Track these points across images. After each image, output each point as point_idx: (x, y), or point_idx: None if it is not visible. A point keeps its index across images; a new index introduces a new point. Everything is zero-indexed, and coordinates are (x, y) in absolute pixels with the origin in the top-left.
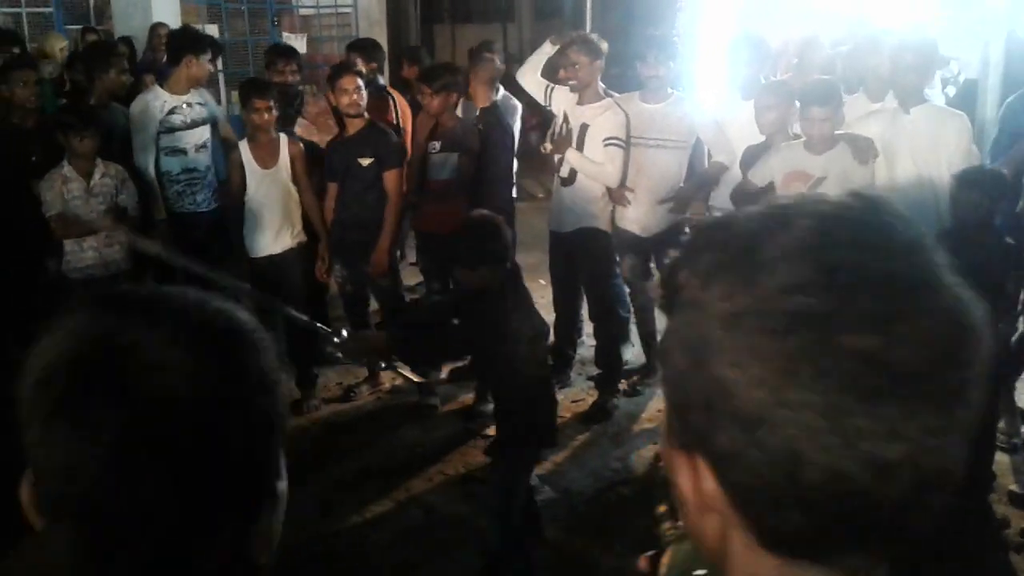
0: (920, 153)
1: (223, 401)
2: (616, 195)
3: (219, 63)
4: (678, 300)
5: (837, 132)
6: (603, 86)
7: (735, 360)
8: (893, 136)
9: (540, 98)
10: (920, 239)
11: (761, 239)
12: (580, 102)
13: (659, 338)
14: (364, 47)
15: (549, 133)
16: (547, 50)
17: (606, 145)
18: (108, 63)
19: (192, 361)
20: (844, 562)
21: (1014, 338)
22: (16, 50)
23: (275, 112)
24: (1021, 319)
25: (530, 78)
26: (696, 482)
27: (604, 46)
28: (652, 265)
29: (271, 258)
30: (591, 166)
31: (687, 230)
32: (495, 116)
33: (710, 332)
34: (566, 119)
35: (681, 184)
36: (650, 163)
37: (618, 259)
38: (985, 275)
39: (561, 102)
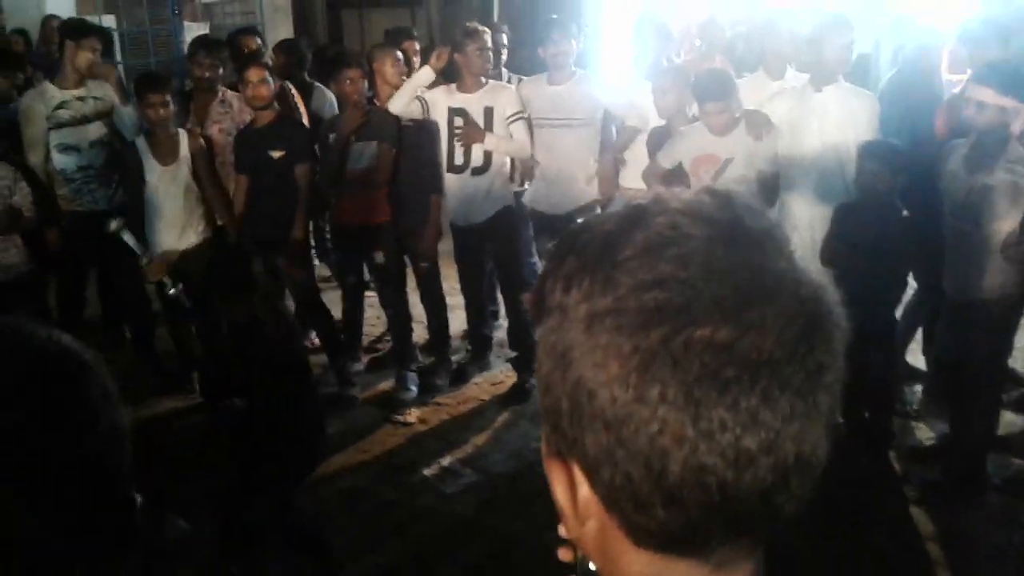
0: (829, 131)
1: (64, 421)
2: (526, 169)
3: (117, 54)
4: (544, 307)
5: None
6: (506, 71)
7: (596, 361)
8: (802, 114)
9: (418, 114)
10: (771, 229)
11: (617, 239)
12: (467, 90)
13: None
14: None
15: (455, 134)
16: (423, 80)
17: (513, 122)
18: None
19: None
20: (715, 553)
21: (907, 303)
22: None
23: (172, 107)
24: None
25: (402, 104)
26: (572, 489)
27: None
28: None
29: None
30: (508, 143)
31: (598, 209)
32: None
33: (573, 336)
34: (461, 113)
35: (592, 162)
36: (557, 143)
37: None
38: (887, 244)
39: (441, 102)
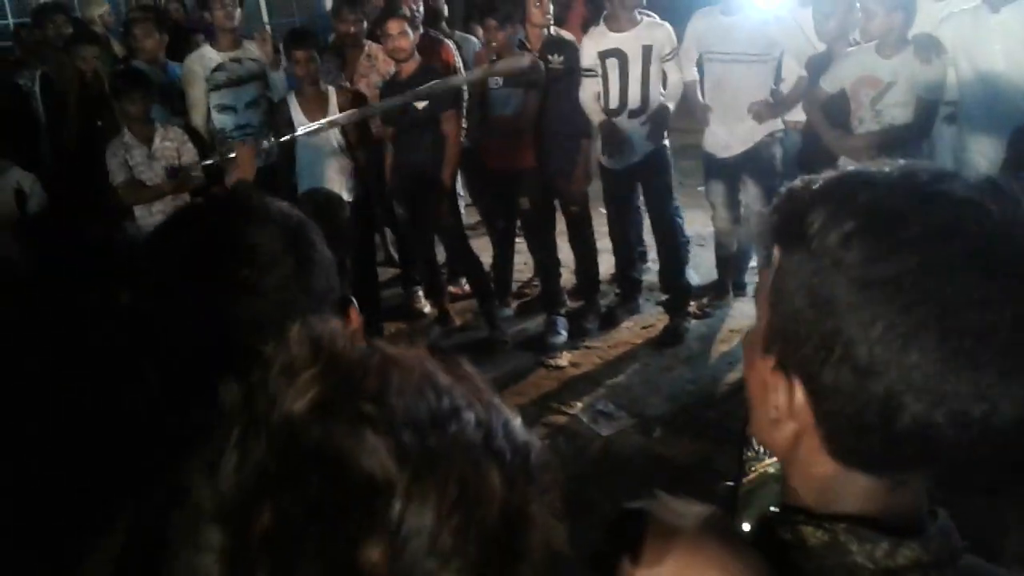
0: (1013, 51)
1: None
2: (699, 117)
3: (264, 16)
4: (805, 242)
5: (910, 35)
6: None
7: (863, 319)
8: (980, 37)
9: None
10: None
11: (906, 214)
12: (620, 28)
13: (735, 259)
14: None
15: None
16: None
17: (668, 60)
18: (135, 25)
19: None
20: (897, 476)
21: None
22: (60, 18)
23: (318, 62)
24: None
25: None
26: (788, 397)
27: None
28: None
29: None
30: (669, 95)
31: (774, 151)
32: (563, 44)
33: (843, 290)
34: (616, 53)
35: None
36: (729, 79)
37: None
38: None
39: (591, 45)
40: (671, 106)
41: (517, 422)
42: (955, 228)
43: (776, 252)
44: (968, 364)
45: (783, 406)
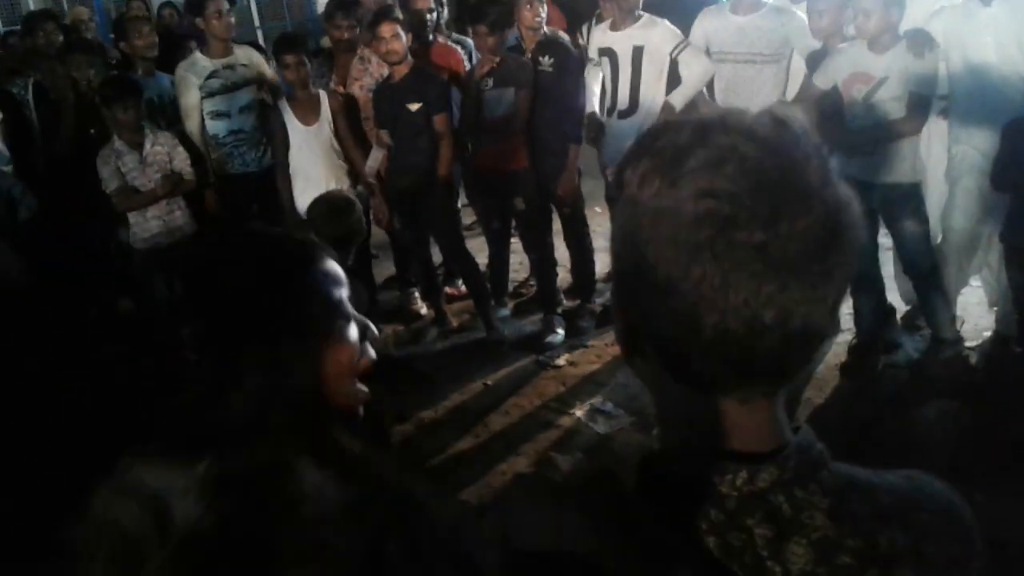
0: (1004, 45)
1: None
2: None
3: (255, 19)
4: (621, 191)
5: (902, 31)
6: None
7: (656, 245)
8: (971, 30)
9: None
10: (816, 149)
11: (686, 151)
12: (616, 27)
13: None
14: None
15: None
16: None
17: (679, 53)
18: (126, 31)
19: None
20: (736, 392)
21: None
22: (50, 26)
23: (308, 67)
24: None
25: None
26: (629, 328)
27: None
28: None
29: None
30: (689, 85)
31: None
32: (555, 46)
33: (641, 222)
34: (608, 53)
35: (776, 101)
36: (739, 80)
37: None
38: None
39: (595, 42)
40: (692, 92)
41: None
42: (726, 158)
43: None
44: (746, 275)
45: (623, 334)
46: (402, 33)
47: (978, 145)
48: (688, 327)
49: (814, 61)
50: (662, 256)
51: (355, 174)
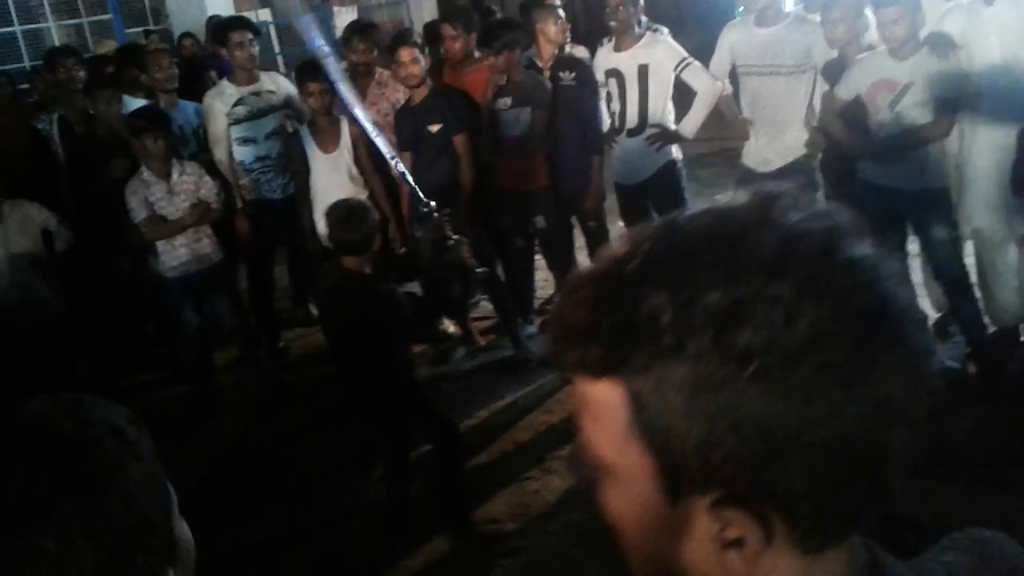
0: (1009, 44)
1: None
2: (739, 131)
3: (275, 46)
4: (663, 356)
5: (922, 36)
6: (645, 19)
7: (779, 405)
8: (975, 30)
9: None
10: (849, 226)
11: (737, 299)
12: (620, 48)
13: None
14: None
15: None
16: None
17: (682, 70)
18: (147, 64)
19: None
20: (846, 540)
21: None
22: (70, 61)
23: (329, 95)
24: None
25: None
26: (760, 523)
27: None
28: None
29: None
30: (700, 108)
31: (814, 165)
32: (574, 62)
33: (744, 388)
34: (615, 74)
35: (804, 114)
36: (765, 92)
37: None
38: None
39: (601, 63)
40: (703, 114)
41: None
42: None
43: (602, 388)
44: (890, 365)
45: (756, 535)
46: (420, 57)
47: (986, 147)
48: (866, 469)
49: (831, 71)
50: (827, 422)
51: (375, 201)
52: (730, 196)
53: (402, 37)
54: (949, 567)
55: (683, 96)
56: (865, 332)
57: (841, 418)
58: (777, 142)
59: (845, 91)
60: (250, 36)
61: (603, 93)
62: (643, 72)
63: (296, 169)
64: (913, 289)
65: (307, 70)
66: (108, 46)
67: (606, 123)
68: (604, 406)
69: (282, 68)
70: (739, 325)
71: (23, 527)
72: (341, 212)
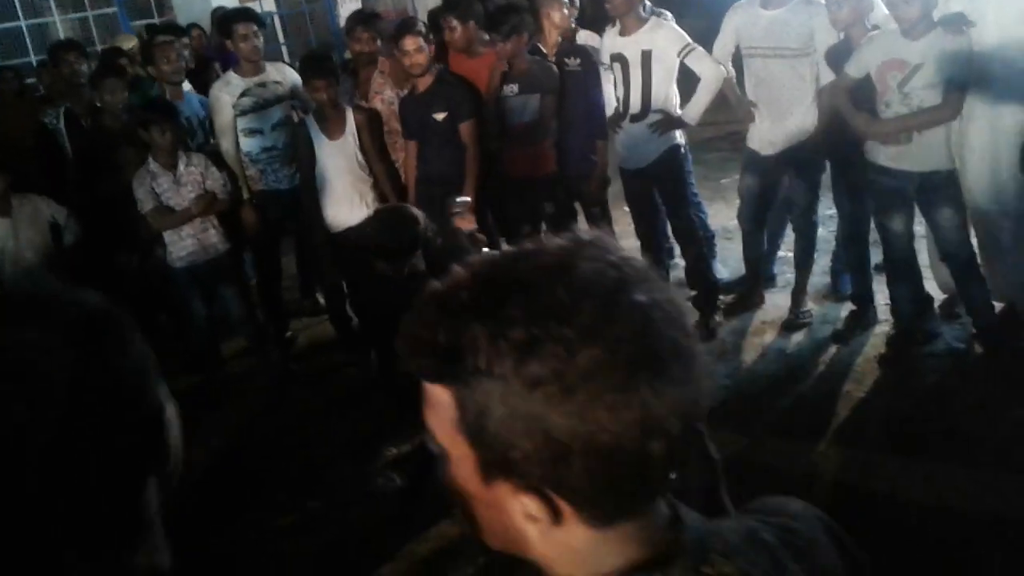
0: (1008, 21)
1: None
2: (744, 114)
3: (280, 36)
4: (477, 372)
5: (936, 17)
6: (650, 4)
7: (572, 417)
8: (974, 9)
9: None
10: (639, 274)
11: (553, 311)
12: (625, 32)
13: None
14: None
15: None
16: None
17: (686, 56)
18: (154, 55)
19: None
20: (644, 514)
21: None
22: (72, 55)
23: (335, 86)
24: None
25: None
26: (547, 505)
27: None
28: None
29: (352, 230)
30: (703, 94)
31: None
32: (578, 48)
33: (538, 402)
34: (619, 59)
35: (809, 97)
36: (769, 74)
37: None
38: None
39: (607, 47)
40: (707, 100)
41: None
42: (579, 308)
43: (439, 389)
44: (649, 394)
45: (545, 514)
46: (425, 45)
47: (986, 126)
48: (627, 467)
49: (834, 54)
50: (598, 432)
51: (379, 188)
52: (559, 236)
53: (406, 26)
54: (747, 526)
55: (686, 80)
56: (631, 368)
57: (610, 432)
58: (782, 125)
59: (855, 70)
60: (255, 27)
61: (608, 77)
62: (646, 57)
63: (302, 157)
64: (687, 320)
65: (313, 66)
66: (129, 41)
67: (611, 108)
68: (439, 404)
69: (286, 58)
70: (532, 357)
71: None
72: (389, 216)
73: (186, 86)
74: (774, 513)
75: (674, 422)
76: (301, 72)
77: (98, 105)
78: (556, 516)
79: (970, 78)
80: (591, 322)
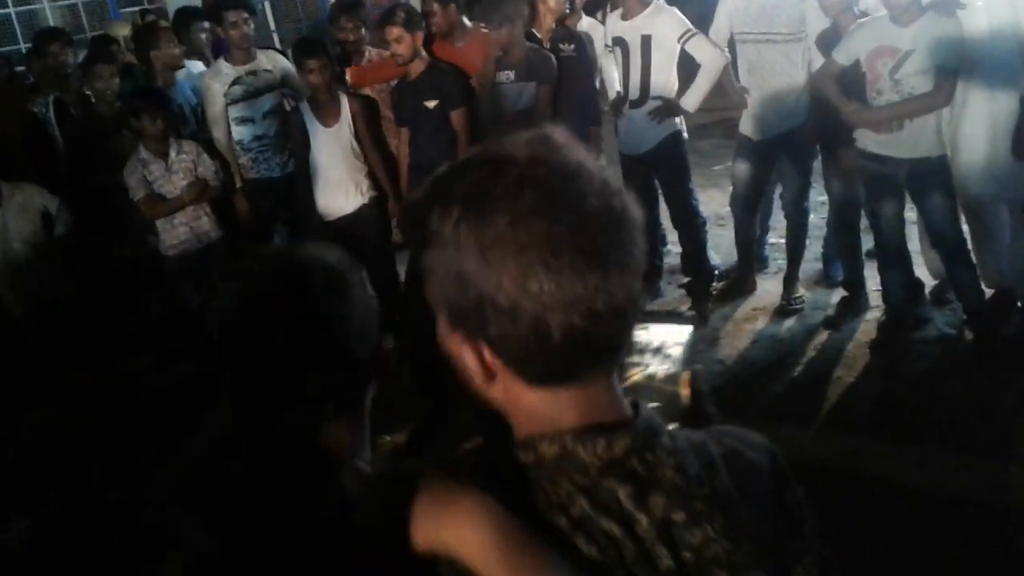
0: (998, 5)
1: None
2: (737, 100)
3: (271, 23)
4: (428, 236)
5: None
6: None
7: (492, 275)
8: None
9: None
10: (585, 159)
11: (487, 189)
12: (626, 16)
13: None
14: None
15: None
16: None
17: (686, 42)
18: (154, 40)
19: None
20: (586, 378)
21: None
22: (56, 45)
23: (329, 70)
24: None
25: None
26: (478, 357)
27: None
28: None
29: (346, 218)
30: (703, 81)
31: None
32: (571, 33)
33: (469, 263)
34: (620, 43)
35: (801, 82)
36: (761, 59)
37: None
38: None
39: (609, 31)
40: (707, 87)
41: None
42: (524, 184)
43: (424, 256)
44: (574, 276)
45: (477, 366)
46: (406, 35)
47: (978, 112)
48: (540, 337)
49: (824, 40)
50: (500, 284)
51: (374, 176)
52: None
53: (387, 16)
54: (699, 437)
55: (687, 66)
56: (552, 244)
57: (528, 299)
58: (774, 110)
59: (844, 57)
60: (245, 15)
61: (611, 59)
62: (646, 42)
63: (296, 145)
64: (627, 211)
65: (306, 48)
66: (123, 28)
67: (613, 91)
68: (426, 269)
69: (278, 45)
70: (474, 226)
71: None
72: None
73: (184, 73)
74: (731, 436)
75: (599, 300)
76: (295, 55)
77: (87, 93)
78: (485, 368)
79: (961, 63)
80: (523, 199)
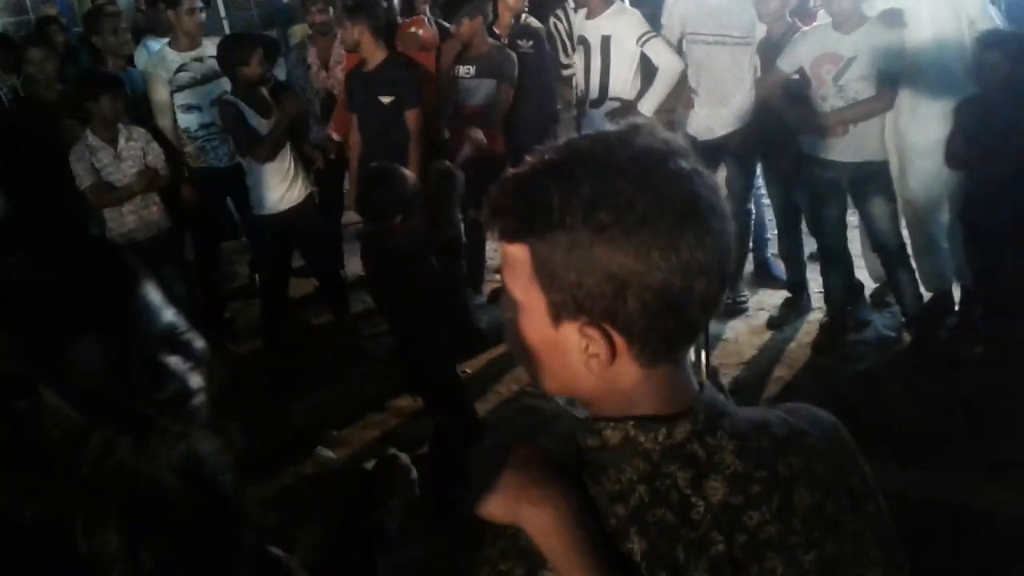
0: (941, 17)
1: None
2: (684, 100)
3: (221, 10)
4: (554, 227)
5: (868, 11)
6: None
7: (636, 254)
8: (907, 4)
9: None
10: (683, 151)
11: (608, 168)
12: (589, 15)
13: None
14: None
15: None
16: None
17: (645, 43)
18: (100, 25)
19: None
20: (670, 361)
21: None
22: None
23: (262, 65)
24: None
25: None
26: (606, 339)
27: None
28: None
29: (283, 214)
30: (660, 84)
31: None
32: (530, 30)
33: (602, 247)
34: (583, 42)
35: (748, 85)
36: (710, 61)
37: None
38: (1016, 137)
39: (576, 30)
40: (663, 91)
41: None
42: (638, 166)
43: (517, 248)
44: (698, 244)
45: (605, 349)
46: (357, 29)
47: (922, 120)
48: (674, 308)
49: (764, 48)
50: (648, 257)
51: (310, 165)
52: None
53: (344, 11)
54: (763, 416)
55: (646, 67)
56: (678, 218)
57: (660, 270)
58: (720, 112)
59: (788, 64)
60: (199, 4)
61: (574, 58)
62: (606, 42)
63: (237, 136)
64: (718, 185)
65: (237, 44)
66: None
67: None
68: (517, 261)
69: (228, 31)
70: (598, 208)
71: None
72: (372, 172)
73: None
74: (795, 415)
75: (712, 266)
76: (229, 55)
77: (31, 72)
78: (612, 348)
79: (903, 71)
80: (646, 180)
